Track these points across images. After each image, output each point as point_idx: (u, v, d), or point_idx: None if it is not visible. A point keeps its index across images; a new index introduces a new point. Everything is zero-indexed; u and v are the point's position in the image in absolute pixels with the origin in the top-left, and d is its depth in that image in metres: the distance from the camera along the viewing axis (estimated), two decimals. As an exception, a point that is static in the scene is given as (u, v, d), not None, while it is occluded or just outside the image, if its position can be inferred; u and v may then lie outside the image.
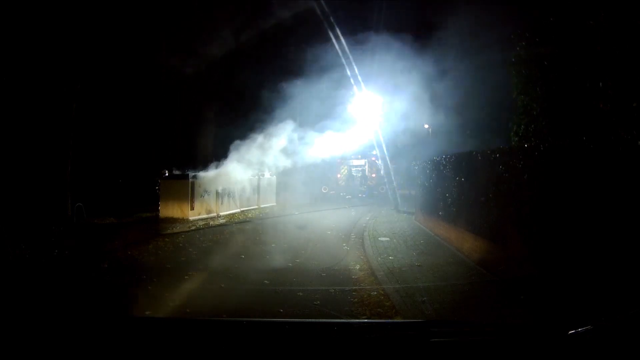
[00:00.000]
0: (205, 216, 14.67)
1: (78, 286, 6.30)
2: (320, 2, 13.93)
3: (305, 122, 19.88)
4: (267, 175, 19.54)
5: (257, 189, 18.86)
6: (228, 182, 16.34)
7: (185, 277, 6.78)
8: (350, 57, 17.69)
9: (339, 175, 29.06)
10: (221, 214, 15.54)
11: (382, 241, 9.94)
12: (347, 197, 23.74)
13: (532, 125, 7.96)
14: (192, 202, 14.35)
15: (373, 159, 30.21)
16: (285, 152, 18.07)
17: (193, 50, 15.80)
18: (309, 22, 16.57)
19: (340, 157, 29.96)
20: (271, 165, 18.63)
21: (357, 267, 7.66)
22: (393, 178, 21.00)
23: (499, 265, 6.52)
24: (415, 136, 24.01)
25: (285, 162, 18.78)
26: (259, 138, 16.53)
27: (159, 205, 14.56)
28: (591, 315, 1.79)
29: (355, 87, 20.74)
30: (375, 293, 5.97)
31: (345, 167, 30.89)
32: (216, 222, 13.95)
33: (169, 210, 14.22)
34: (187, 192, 14.14)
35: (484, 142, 13.03)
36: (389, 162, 22.09)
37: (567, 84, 7.00)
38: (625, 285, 3.85)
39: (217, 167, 15.57)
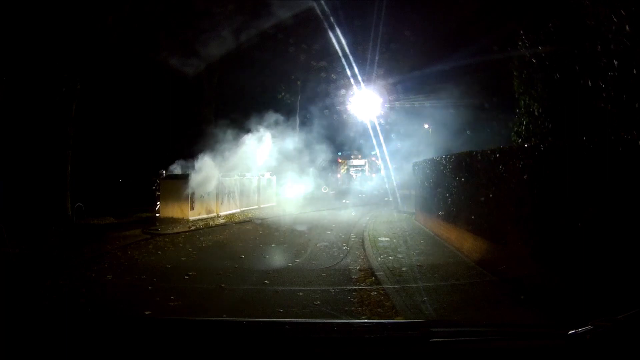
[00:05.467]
0: (205, 216, 14.67)
1: (78, 286, 6.30)
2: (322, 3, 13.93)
3: (306, 121, 19.96)
4: (267, 175, 19.55)
5: (257, 189, 18.86)
6: (228, 182, 16.36)
7: (185, 277, 6.79)
8: (351, 57, 17.72)
9: (338, 176, 29.10)
10: (221, 214, 15.53)
11: (382, 241, 9.94)
12: (346, 199, 23.78)
13: (533, 125, 7.97)
14: (192, 202, 14.35)
15: (373, 159, 30.27)
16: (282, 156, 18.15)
17: (193, 50, 15.79)
18: (314, 25, 16.57)
19: (341, 157, 30.04)
20: (270, 167, 18.73)
21: (357, 267, 7.66)
22: (393, 178, 21.03)
23: (499, 265, 6.52)
24: (415, 136, 24.08)
25: (283, 165, 18.86)
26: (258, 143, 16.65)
27: (158, 205, 14.57)
28: (591, 315, 1.78)
29: (355, 87, 20.79)
30: (375, 293, 5.97)
31: (346, 167, 30.93)
32: (216, 222, 13.95)
33: (169, 210, 14.22)
34: (187, 192, 14.14)
35: (485, 142, 13.07)
36: (389, 162, 22.12)
37: (568, 84, 7.00)
38: (625, 285, 3.85)
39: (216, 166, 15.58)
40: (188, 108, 19.72)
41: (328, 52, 19.23)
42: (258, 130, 17.12)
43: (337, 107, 24.34)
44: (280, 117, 18.14)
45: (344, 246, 9.78)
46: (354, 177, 30.41)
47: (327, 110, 23.15)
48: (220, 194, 15.79)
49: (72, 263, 7.72)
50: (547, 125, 7.58)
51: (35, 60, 11.98)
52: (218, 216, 15.22)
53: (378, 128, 22.34)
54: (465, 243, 8.26)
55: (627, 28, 5.77)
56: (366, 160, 30.97)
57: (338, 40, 16.57)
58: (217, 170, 15.52)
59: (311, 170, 20.44)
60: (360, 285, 6.46)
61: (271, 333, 1.96)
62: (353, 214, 16.95)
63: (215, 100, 20.45)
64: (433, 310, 5.06)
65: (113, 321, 2.14)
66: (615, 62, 5.92)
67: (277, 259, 8.36)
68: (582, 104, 6.56)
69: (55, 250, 8.41)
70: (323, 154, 21.79)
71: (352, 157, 31.15)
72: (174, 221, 13.44)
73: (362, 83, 20.49)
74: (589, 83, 6.42)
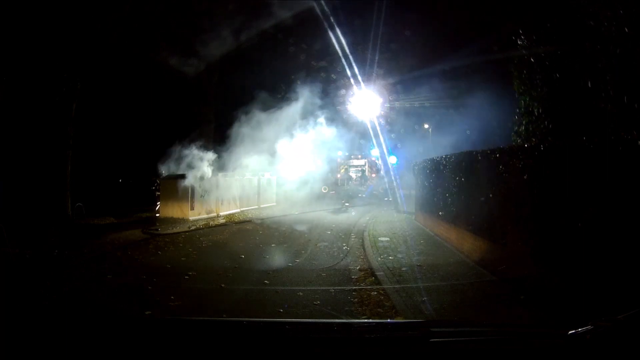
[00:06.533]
0: (205, 216, 14.68)
1: (78, 286, 6.30)
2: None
3: (305, 121, 19.96)
4: (267, 175, 19.54)
5: (257, 189, 18.86)
6: (228, 182, 16.36)
7: (186, 277, 6.78)
8: (351, 57, 17.71)
9: (338, 176, 29.06)
10: (221, 214, 15.54)
11: (382, 241, 9.94)
12: (346, 199, 23.77)
13: (533, 125, 7.97)
14: (192, 202, 14.35)
15: (373, 159, 30.25)
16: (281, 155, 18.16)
17: (193, 49, 15.78)
18: (314, 25, 16.56)
19: (340, 156, 30.02)
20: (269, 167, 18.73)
21: (357, 267, 7.66)
22: (393, 178, 21.01)
23: (499, 265, 6.52)
24: (415, 136, 24.08)
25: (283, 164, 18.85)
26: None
27: (158, 205, 14.57)
28: (591, 315, 1.78)
29: (355, 87, 20.78)
30: (375, 293, 5.97)
31: (345, 167, 30.90)
32: (216, 222, 13.95)
33: (169, 210, 14.22)
34: (187, 192, 14.14)
35: (484, 142, 13.06)
36: (389, 162, 22.12)
37: (568, 84, 7.00)
38: (625, 285, 3.85)
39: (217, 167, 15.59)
40: (188, 108, 19.71)
41: (328, 52, 19.23)
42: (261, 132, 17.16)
43: (337, 107, 24.32)
44: (280, 117, 18.13)
45: (344, 246, 9.78)
46: (354, 177, 30.37)
47: (327, 110, 23.13)
48: (221, 194, 15.80)
49: (72, 263, 7.72)
50: (547, 125, 7.58)
51: (36, 60, 11.98)
52: (218, 216, 15.22)
53: (378, 128, 22.32)
54: (465, 243, 8.26)
55: (626, 29, 5.77)
56: (366, 160, 30.94)
57: (338, 40, 16.57)
58: (217, 170, 15.53)
59: (311, 170, 20.43)
60: (360, 285, 6.46)
61: (271, 333, 1.96)
62: (353, 214, 16.94)
63: (215, 100, 20.43)
64: (433, 310, 5.06)
65: (113, 321, 2.14)
66: (615, 62, 5.92)
67: (277, 259, 8.35)
68: (582, 104, 6.56)
69: (55, 250, 8.40)
70: (323, 154, 21.78)
71: (352, 157, 31.13)
72: (174, 221, 13.44)
73: (362, 83, 20.49)
74: (589, 83, 6.42)
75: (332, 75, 22.00)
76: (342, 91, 23.27)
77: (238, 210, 16.72)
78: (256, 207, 18.14)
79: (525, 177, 5.91)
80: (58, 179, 13.04)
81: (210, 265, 7.74)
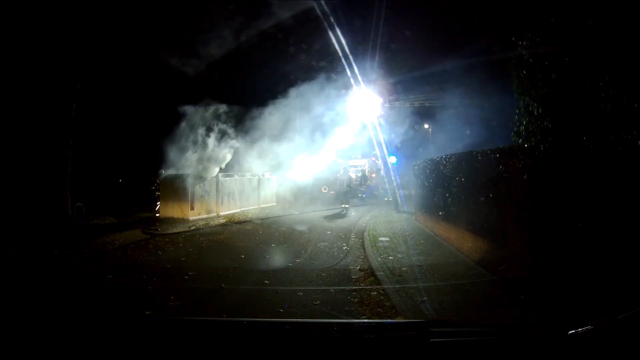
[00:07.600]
0: (205, 216, 14.67)
1: (78, 286, 6.30)
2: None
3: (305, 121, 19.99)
4: (267, 175, 19.54)
5: (257, 189, 18.85)
6: (228, 182, 16.36)
7: (186, 277, 6.79)
8: (351, 57, 17.71)
9: (338, 176, 29.01)
10: (221, 213, 15.53)
11: (382, 241, 9.94)
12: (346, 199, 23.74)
13: (533, 125, 7.97)
14: (192, 202, 14.34)
15: (373, 159, 30.22)
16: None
17: (193, 49, 15.79)
18: (314, 25, 16.55)
19: (340, 157, 30.01)
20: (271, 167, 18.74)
21: (357, 267, 7.66)
22: (393, 178, 21.01)
23: (499, 265, 6.52)
24: (415, 136, 24.09)
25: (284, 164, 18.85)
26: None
27: (158, 205, 14.57)
28: (591, 315, 1.78)
29: (355, 87, 20.78)
30: (375, 293, 5.97)
31: (345, 167, 30.87)
32: (216, 222, 13.95)
33: (169, 210, 14.22)
34: (187, 192, 14.14)
35: (484, 142, 13.07)
36: (389, 162, 22.12)
37: (567, 84, 7.00)
38: (625, 285, 3.85)
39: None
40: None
41: (328, 52, 19.21)
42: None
43: (337, 107, 24.31)
44: (280, 117, 18.15)
45: (344, 246, 9.78)
46: (354, 177, 30.33)
47: (327, 110, 23.14)
48: (220, 194, 15.79)
49: (72, 263, 7.72)
50: (547, 125, 7.58)
51: (36, 60, 11.97)
52: (218, 216, 15.22)
53: (378, 128, 22.33)
54: (465, 243, 8.26)
55: (627, 28, 5.77)
56: (366, 160, 30.89)
57: (338, 40, 16.56)
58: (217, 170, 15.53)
59: (311, 170, 20.44)
60: (360, 285, 6.46)
61: (271, 333, 1.96)
62: (353, 214, 16.94)
63: (215, 100, 20.42)
64: (433, 310, 5.06)
65: (113, 321, 2.14)
66: (615, 62, 5.92)
67: (277, 258, 8.35)
68: (582, 104, 6.55)
69: (55, 250, 8.41)
70: (323, 154, 21.79)
71: (351, 157, 31.09)
72: (174, 221, 13.44)
73: (362, 83, 20.49)
74: (589, 83, 6.42)
75: (332, 75, 21.99)
76: (342, 91, 23.27)
77: (238, 210, 16.72)
78: (256, 207, 18.14)
79: (525, 177, 5.91)
80: (58, 179, 13.03)
81: (210, 265, 7.75)
